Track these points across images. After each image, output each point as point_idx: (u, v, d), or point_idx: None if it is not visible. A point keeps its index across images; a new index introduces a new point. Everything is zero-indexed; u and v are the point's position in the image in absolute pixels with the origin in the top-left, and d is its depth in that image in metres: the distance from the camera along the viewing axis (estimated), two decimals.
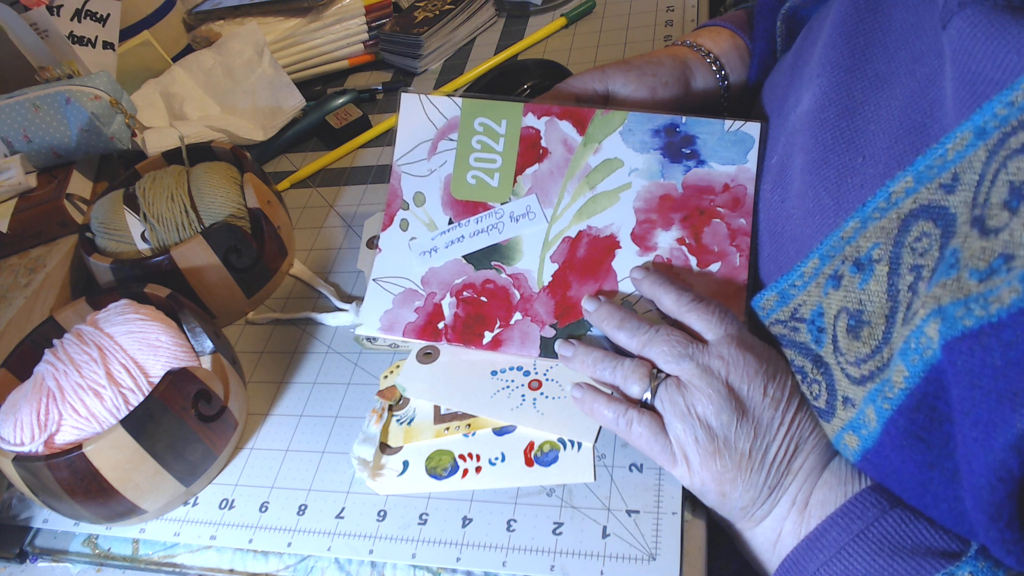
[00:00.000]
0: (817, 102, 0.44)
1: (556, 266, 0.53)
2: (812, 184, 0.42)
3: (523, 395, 0.51)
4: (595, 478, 0.47)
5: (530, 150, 0.54)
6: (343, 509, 0.49)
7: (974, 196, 0.31)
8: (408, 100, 0.56)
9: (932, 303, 0.31)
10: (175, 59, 0.91)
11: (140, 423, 0.47)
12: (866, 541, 0.38)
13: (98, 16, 0.83)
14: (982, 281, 0.29)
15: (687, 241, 0.51)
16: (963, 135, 0.33)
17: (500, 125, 0.54)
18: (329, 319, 0.62)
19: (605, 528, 0.44)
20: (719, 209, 0.51)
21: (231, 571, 0.49)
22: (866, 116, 0.41)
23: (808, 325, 0.42)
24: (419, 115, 0.56)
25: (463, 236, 0.55)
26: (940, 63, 0.36)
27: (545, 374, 0.52)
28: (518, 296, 0.53)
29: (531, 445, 0.49)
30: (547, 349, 0.52)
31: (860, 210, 0.39)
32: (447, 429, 0.51)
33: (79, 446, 0.46)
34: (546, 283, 0.53)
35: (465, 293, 0.54)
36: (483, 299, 0.54)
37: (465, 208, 0.55)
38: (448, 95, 0.56)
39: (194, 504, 0.52)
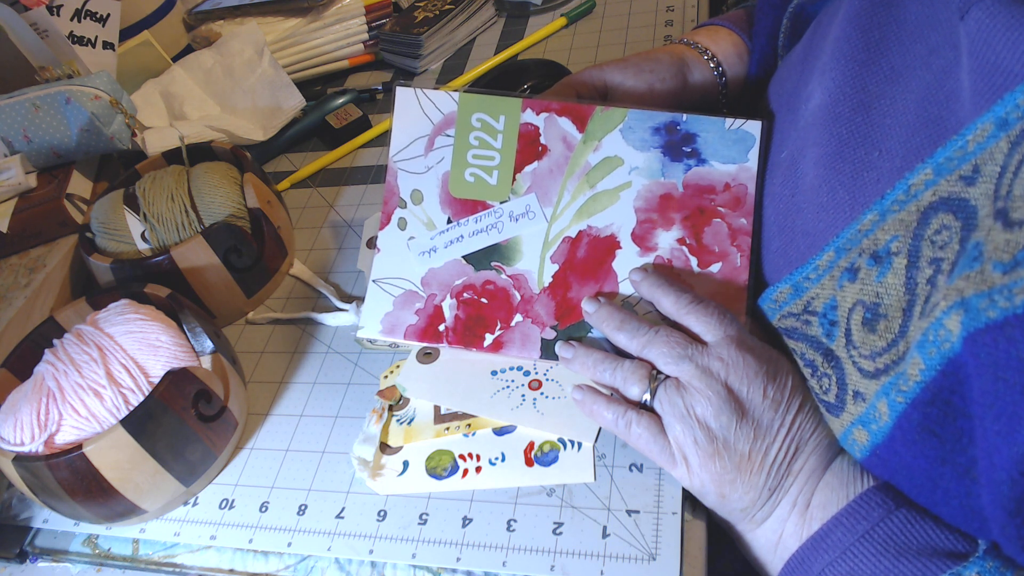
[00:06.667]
0: (831, 96, 0.43)
1: (556, 267, 0.53)
2: (826, 178, 0.42)
3: (523, 395, 0.51)
4: (595, 478, 0.47)
5: (529, 147, 0.54)
6: (343, 509, 0.49)
7: (996, 188, 0.31)
8: (403, 94, 0.55)
9: (955, 295, 0.31)
10: (175, 59, 0.91)
11: (140, 423, 0.47)
12: (872, 541, 0.38)
13: (98, 16, 0.83)
14: (1006, 273, 0.29)
15: (688, 241, 0.51)
16: (984, 126, 0.33)
17: (498, 121, 0.54)
18: (329, 319, 0.62)
19: (605, 528, 0.44)
20: (720, 209, 0.51)
21: (231, 571, 0.49)
22: (882, 110, 0.41)
23: (820, 318, 0.42)
24: (415, 110, 0.55)
25: (462, 236, 0.54)
26: (956, 55, 0.36)
27: (545, 374, 0.52)
28: (518, 297, 0.53)
29: (531, 445, 0.49)
30: (548, 351, 0.52)
31: (878, 203, 0.39)
32: (447, 429, 0.51)
33: (79, 446, 0.46)
34: (546, 284, 0.53)
35: (465, 294, 0.54)
36: (483, 300, 0.54)
37: (464, 207, 0.55)
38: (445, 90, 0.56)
39: (194, 504, 0.52)
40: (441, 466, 0.49)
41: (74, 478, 0.46)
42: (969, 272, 0.31)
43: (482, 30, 0.94)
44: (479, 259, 0.54)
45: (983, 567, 0.34)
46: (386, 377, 0.56)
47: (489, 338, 0.53)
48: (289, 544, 0.48)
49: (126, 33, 0.88)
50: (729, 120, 0.51)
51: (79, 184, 0.73)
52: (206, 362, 0.54)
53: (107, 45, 0.85)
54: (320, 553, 0.47)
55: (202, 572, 0.50)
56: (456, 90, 0.55)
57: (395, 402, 0.53)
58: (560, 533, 0.45)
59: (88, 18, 0.83)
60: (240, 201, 0.63)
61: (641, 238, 0.52)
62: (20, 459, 0.47)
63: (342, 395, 0.56)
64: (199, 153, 0.69)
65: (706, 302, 0.46)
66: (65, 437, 0.48)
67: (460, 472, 0.49)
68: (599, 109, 0.53)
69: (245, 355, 0.62)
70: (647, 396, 0.45)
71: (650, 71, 0.57)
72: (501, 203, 0.54)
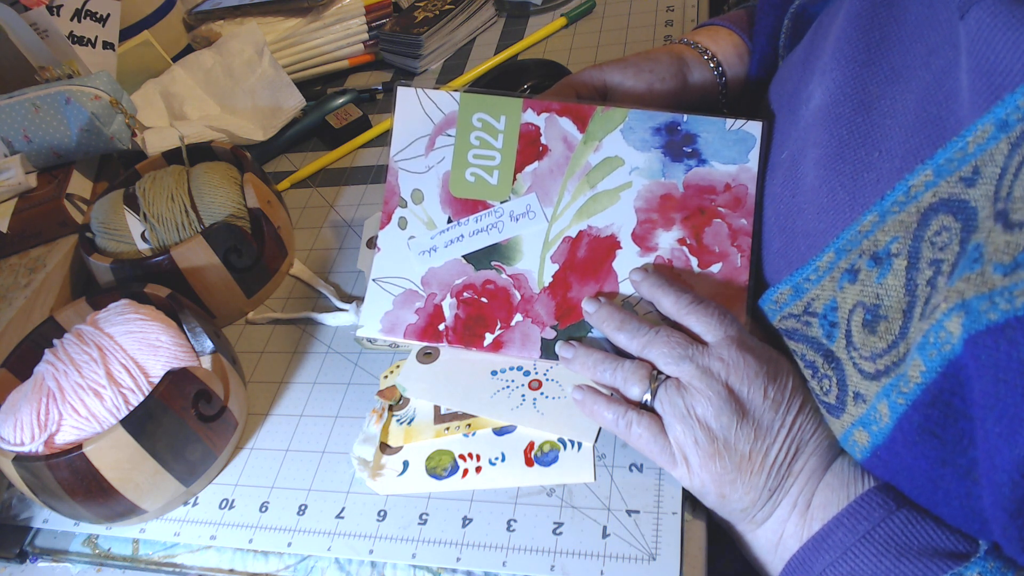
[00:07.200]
0: (831, 97, 0.43)
1: (556, 266, 0.53)
2: (827, 179, 0.42)
3: (523, 395, 0.51)
4: (595, 478, 0.47)
5: (530, 147, 0.54)
6: (343, 509, 0.49)
7: (996, 190, 0.31)
8: (404, 94, 0.55)
9: (955, 297, 0.31)
10: (175, 59, 0.91)
11: (140, 423, 0.47)
12: (873, 542, 0.37)
13: (98, 16, 0.83)
14: (1007, 275, 0.29)
15: (688, 241, 0.51)
16: (984, 128, 0.33)
17: (499, 121, 0.54)
18: (329, 319, 0.62)
19: (605, 528, 0.44)
20: (720, 209, 0.51)
21: (231, 571, 0.49)
22: (882, 111, 0.41)
23: (820, 320, 0.42)
24: (416, 110, 0.55)
25: (463, 235, 0.54)
26: (955, 54, 0.36)
27: (545, 374, 0.52)
28: (519, 297, 0.53)
29: (531, 445, 0.49)
30: (548, 351, 0.52)
31: (878, 204, 0.39)
32: (447, 429, 0.51)
33: (79, 446, 0.46)
34: (546, 284, 0.53)
35: (465, 294, 0.54)
36: (483, 300, 0.54)
37: (464, 206, 0.55)
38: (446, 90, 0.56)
39: (194, 504, 0.52)
40: (441, 466, 0.49)
41: (74, 478, 0.46)
42: (969, 274, 0.31)
43: (482, 30, 0.94)
44: (479, 259, 0.54)
45: (984, 567, 0.34)
46: (386, 377, 0.56)
47: (489, 338, 0.53)
48: (289, 544, 0.48)
49: (126, 33, 0.88)
50: (730, 120, 0.51)
51: (79, 184, 0.73)
52: (206, 362, 0.54)
53: (107, 45, 0.85)
54: (320, 553, 0.47)
55: (202, 572, 0.50)
56: (457, 90, 0.55)
57: (395, 402, 0.53)
58: (560, 533, 0.45)
59: (88, 18, 0.83)
60: (240, 201, 0.63)
61: (641, 238, 0.52)
62: (20, 459, 0.47)
63: (342, 395, 0.56)
64: (199, 153, 0.69)
65: (706, 302, 0.46)
66: (65, 437, 0.48)
67: (460, 472, 0.49)
68: (600, 109, 0.53)
69: (245, 355, 0.62)
70: (647, 396, 0.45)
71: (650, 71, 0.57)
72: (501, 203, 0.54)
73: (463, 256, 0.55)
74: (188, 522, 0.51)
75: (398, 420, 0.52)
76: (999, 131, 0.32)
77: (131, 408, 0.48)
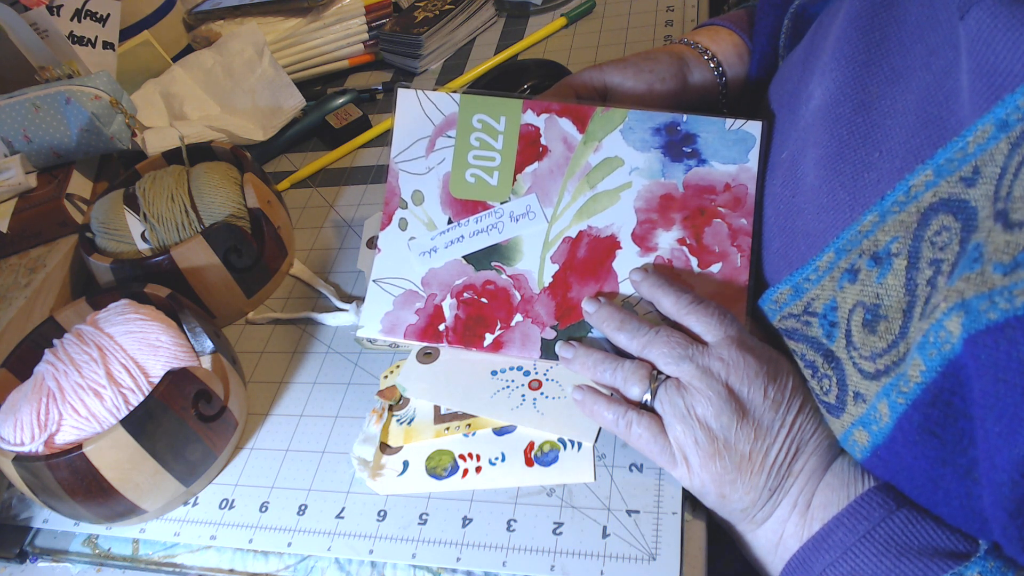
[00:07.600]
0: (831, 97, 0.44)
1: (556, 267, 0.53)
2: (827, 179, 0.42)
3: (523, 395, 0.51)
4: (595, 478, 0.47)
5: (529, 148, 0.54)
6: (343, 509, 0.49)
7: (996, 189, 0.31)
8: (405, 96, 0.56)
9: (955, 297, 0.31)
10: (175, 59, 0.91)
11: (140, 423, 0.47)
12: (873, 541, 0.38)
13: (98, 16, 0.83)
14: (1007, 274, 0.29)
15: (688, 241, 0.51)
16: (984, 128, 0.33)
17: (499, 122, 0.54)
18: (329, 319, 0.62)
19: (605, 528, 0.44)
20: (720, 209, 0.51)
21: (231, 571, 0.49)
22: (882, 111, 0.41)
23: (820, 319, 0.42)
24: (416, 111, 0.55)
25: (463, 236, 0.55)
26: (955, 55, 0.36)
27: (545, 374, 0.52)
28: (519, 297, 0.53)
29: (531, 445, 0.49)
30: (548, 351, 0.52)
31: (879, 204, 0.39)
32: (447, 429, 0.51)
33: (79, 446, 0.46)
34: (546, 284, 0.53)
35: (465, 294, 0.54)
36: (483, 300, 0.54)
37: (464, 207, 0.55)
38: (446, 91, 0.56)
39: (194, 504, 0.52)
40: (441, 466, 0.49)
41: (74, 478, 0.46)
42: (969, 274, 0.31)
43: (482, 30, 0.94)
44: (479, 259, 0.54)
45: (984, 567, 0.34)
46: (386, 377, 0.56)
47: (489, 338, 0.53)
48: (289, 544, 0.48)
49: (126, 33, 0.88)
50: (729, 120, 0.51)
51: (79, 184, 0.73)
52: (206, 362, 0.54)
53: (107, 45, 0.85)
54: (320, 553, 0.47)
55: (202, 572, 0.50)
56: (457, 91, 0.55)
57: (395, 402, 0.53)
58: (560, 533, 0.45)
59: (88, 18, 0.83)
60: (240, 201, 0.63)
61: (641, 238, 0.52)
62: (20, 459, 0.47)
63: (342, 395, 0.56)
64: (199, 153, 0.69)
65: (706, 302, 0.46)
66: (65, 437, 0.48)
67: (460, 472, 0.49)
68: (599, 110, 0.53)
69: (245, 355, 0.62)
70: (647, 396, 0.45)
71: (650, 71, 0.57)
72: (502, 203, 0.54)
73: (463, 257, 0.55)
74: (188, 522, 0.51)
75: (398, 420, 0.52)
76: (999, 131, 0.32)
77: (131, 408, 0.48)
